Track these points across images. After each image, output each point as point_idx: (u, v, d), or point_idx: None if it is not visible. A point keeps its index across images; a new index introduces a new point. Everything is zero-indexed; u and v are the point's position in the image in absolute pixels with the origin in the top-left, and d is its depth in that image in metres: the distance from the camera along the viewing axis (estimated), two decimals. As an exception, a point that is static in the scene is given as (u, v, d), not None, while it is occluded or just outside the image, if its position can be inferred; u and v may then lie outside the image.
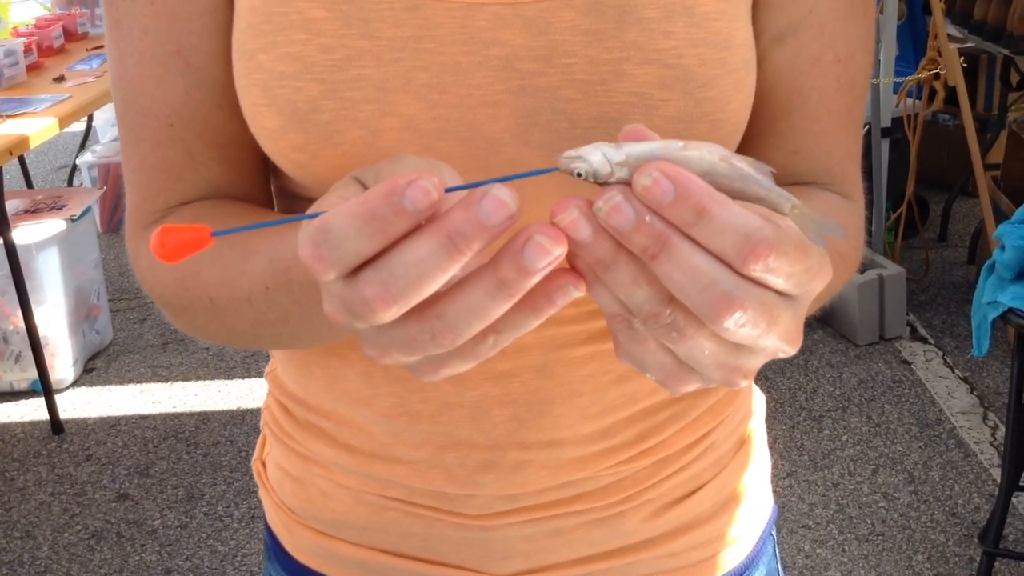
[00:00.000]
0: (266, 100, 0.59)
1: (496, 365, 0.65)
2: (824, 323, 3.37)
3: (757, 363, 0.44)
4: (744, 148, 0.64)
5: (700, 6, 0.59)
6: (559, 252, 0.40)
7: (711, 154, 0.42)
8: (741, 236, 0.39)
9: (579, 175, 0.41)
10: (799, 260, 0.40)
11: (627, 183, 0.40)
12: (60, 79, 3.34)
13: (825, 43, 0.64)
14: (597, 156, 0.41)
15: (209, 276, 0.62)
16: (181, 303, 0.65)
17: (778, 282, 0.40)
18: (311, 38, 0.58)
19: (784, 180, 0.67)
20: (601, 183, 0.41)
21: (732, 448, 0.76)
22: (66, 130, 3.28)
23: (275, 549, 0.82)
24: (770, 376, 3.12)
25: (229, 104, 0.64)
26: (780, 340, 0.42)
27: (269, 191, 0.72)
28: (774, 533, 0.83)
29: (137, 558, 2.48)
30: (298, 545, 0.79)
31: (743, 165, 0.42)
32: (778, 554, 0.84)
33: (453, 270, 0.39)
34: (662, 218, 0.40)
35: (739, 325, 0.40)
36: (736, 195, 0.41)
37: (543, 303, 0.42)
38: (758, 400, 0.81)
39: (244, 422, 3.02)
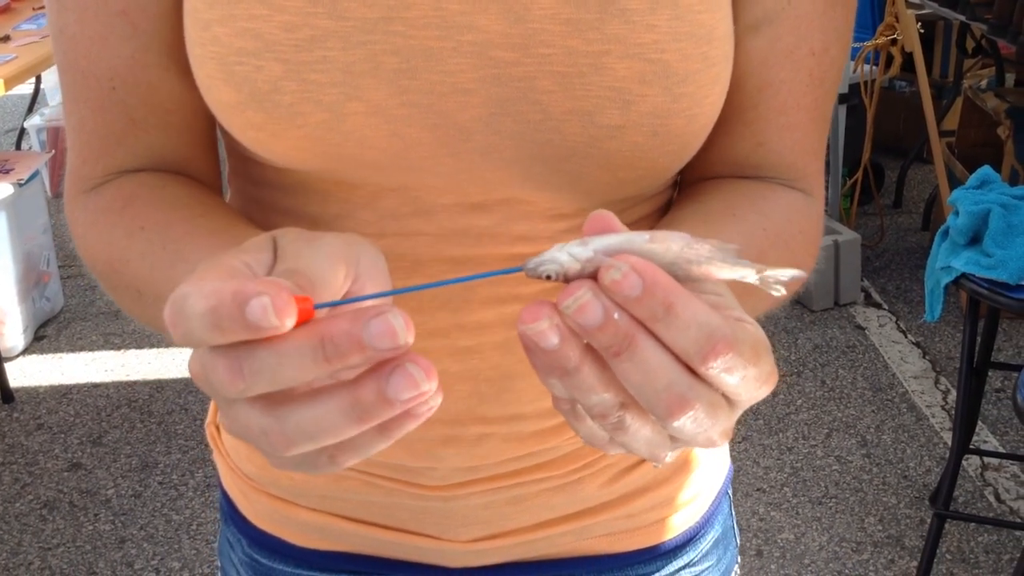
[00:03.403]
0: (223, 75, 0.57)
1: (457, 342, 0.64)
2: (780, 289, 3.40)
3: (682, 448, 0.45)
4: (710, 136, 0.62)
5: None
6: (427, 388, 0.38)
7: (676, 243, 0.42)
8: (704, 333, 0.39)
9: (549, 278, 0.41)
10: (752, 363, 0.41)
11: (594, 277, 0.40)
12: (5, 39, 3.25)
13: (801, 36, 0.62)
14: (564, 256, 0.41)
15: (138, 269, 0.59)
16: (111, 283, 0.63)
17: (730, 381, 0.41)
18: (272, 14, 0.55)
19: (747, 171, 0.66)
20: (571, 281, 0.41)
21: None
22: (13, 92, 3.19)
23: (232, 514, 0.82)
24: (727, 341, 3.14)
25: (178, 67, 0.62)
26: (715, 437, 0.43)
27: (215, 157, 0.69)
28: (730, 492, 0.84)
29: (91, 527, 2.45)
30: (255, 511, 0.79)
31: (707, 248, 0.42)
32: (733, 513, 0.85)
33: (315, 376, 0.38)
34: (629, 316, 0.39)
35: (687, 423, 0.41)
36: (703, 277, 0.42)
37: (401, 421, 0.40)
38: None
39: (199, 390, 2.97)
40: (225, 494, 0.82)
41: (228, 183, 0.72)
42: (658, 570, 0.78)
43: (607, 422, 0.42)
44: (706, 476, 0.80)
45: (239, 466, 0.78)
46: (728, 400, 0.42)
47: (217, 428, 0.82)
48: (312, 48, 0.55)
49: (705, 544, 0.81)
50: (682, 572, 0.79)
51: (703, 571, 0.81)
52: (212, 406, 0.83)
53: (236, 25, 0.56)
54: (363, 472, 0.71)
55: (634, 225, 0.66)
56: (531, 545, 0.75)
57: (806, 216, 0.66)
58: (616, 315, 0.39)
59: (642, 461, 0.75)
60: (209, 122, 0.66)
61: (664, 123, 0.57)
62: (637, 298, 0.39)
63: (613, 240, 0.41)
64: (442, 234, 0.62)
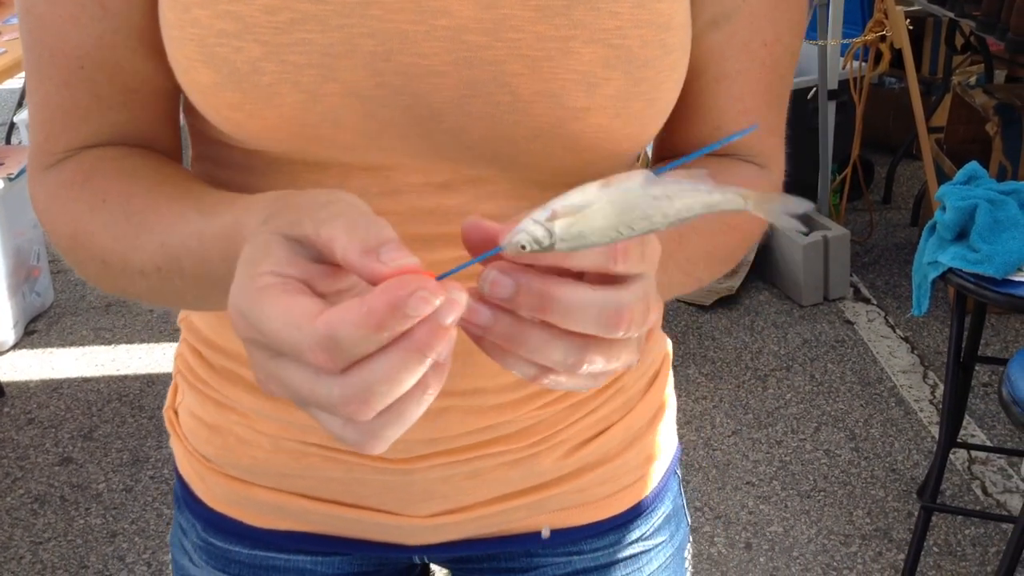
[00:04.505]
0: (202, 56, 0.58)
1: None
2: (770, 284, 3.41)
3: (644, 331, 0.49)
4: (669, 122, 0.65)
5: None
6: (439, 302, 0.42)
7: (635, 180, 0.42)
8: (593, 314, 0.44)
9: (523, 248, 0.43)
10: (652, 308, 0.47)
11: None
12: (-5, 33, 3.24)
13: (755, 30, 0.66)
14: (530, 225, 0.43)
15: (102, 241, 0.61)
16: (76, 257, 0.64)
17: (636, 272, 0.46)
18: None
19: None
20: (547, 247, 0.43)
21: (640, 391, 0.80)
22: (3, 87, 3.19)
23: (187, 498, 0.83)
24: (717, 337, 3.15)
25: (144, 49, 0.63)
26: (654, 316, 0.48)
27: (177, 135, 0.71)
28: (679, 472, 0.87)
29: (82, 522, 2.45)
30: (212, 493, 0.80)
31: (673, 180, 0.43)
32: (683, 492, 0.88)
33: (422, 372, 0.43)
34: (539, 277, 0.44)
35: (631, 329, 0.46)
36: (685, 211, 0.43)
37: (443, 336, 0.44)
38: (665, 344, 0.85)
39: (190, 384, 2.99)
40: (180, 479, 0.83)
41: (191, 168, 0.73)
42: (611, 544, 0.81)
43: (584, 371, 0.46)
44: (655, 453, 0.82)
45: (197, 448, 0.79)
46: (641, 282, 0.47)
47: (175, 412, 0.83)
48: (292, 30, 0.57)
49: (656, 519, 0.84)
50: (634, 545, 0.82)
51: (656, 546, 0.84)
52: (171, 391, 0.85)
53: (217, 8, 0.57)
54: (324, 447, 0.73)
55: None
56: (488, 520, 0.77)
57: (762, 186, 0.71)
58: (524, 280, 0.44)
59: (595, 436, 0.77)
60: (172, 102, 0.68)
61: (626, 106, 0.60)
62: (513, 298, 0.43)
63: (571, 196, 0.43)
64: (411, 213, 0.64)
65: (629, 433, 0.80)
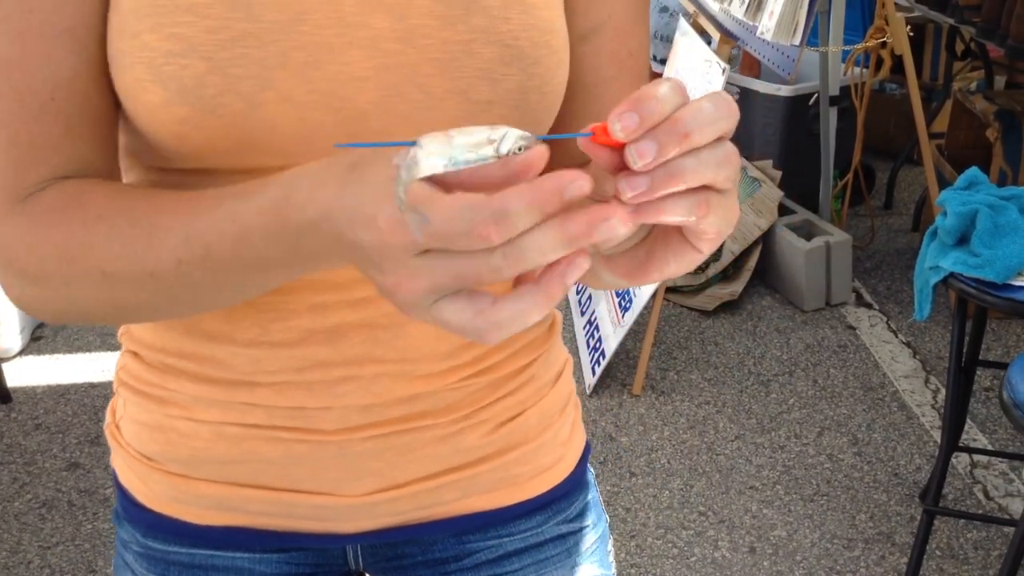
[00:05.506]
0: (151, 76, 0.64)
1: (354, 292, 0.73)
2: (772, 289, 3.43)
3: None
4: (561, 127, 0.76)
5: None
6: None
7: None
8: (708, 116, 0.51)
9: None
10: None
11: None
12: None
13: (621, 42, 0.77)
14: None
15: (102, 252, 0.64)
16: (63, 277, 0.66)
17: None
18: (197, 20, 0.64)
19: None
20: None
21: (549, 382, 0.87)
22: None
23: (127, 508, 0.86)
24: (719, 342, 3.17)
25: (105, 79, 0.68)
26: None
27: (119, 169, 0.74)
28: (591, 469, 0.94)
29: (89, 526, 2.47)
30: (153, 493, 0.84)
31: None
32: (599, 491, 0.94)
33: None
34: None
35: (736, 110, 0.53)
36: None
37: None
38: (565, 352, 0.92)
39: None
40: (122, 492, 0.87)
41: None
42: (539, 524, 0.87)
43: (731, 169, 0.51)
44: (568, 440, 0.89)
45: (140, 450, 0.83)
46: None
47: (117, 427, 0.87)
48: (232, 47, 0.64)
49: (579, 503, 0.90)
50: (561, 526, 0.88)
51: (581, 529, 0.90)
52: (111, 411, 0.88)
53: (164, 31, 0.64)
54: (264, 427, 0.77)
55: None
56: (420, 499, 0.82)
57: None
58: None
59: (514, 417, 0.83)
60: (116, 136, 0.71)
61: (523, 98, 0.70)
62: (659, 149, 0.49)
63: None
64: None
65: (543, 418, 0.86)
